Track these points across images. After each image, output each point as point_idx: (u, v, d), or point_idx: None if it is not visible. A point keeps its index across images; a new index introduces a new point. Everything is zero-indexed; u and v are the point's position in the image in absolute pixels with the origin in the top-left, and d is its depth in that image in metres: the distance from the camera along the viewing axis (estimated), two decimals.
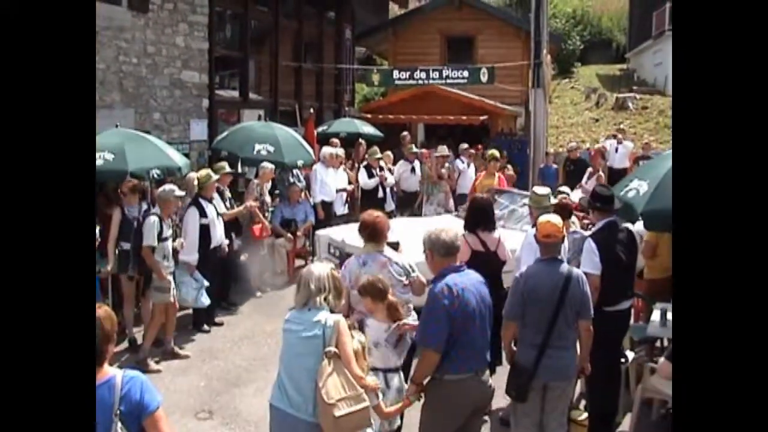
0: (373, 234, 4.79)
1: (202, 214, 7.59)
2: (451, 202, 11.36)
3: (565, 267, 4.47)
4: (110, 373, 2.77)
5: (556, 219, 4.59)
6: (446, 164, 11.70)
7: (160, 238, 6.72)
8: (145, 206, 7.45)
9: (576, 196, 8.24)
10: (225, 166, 8.63)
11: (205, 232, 7.59)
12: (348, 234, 7.96)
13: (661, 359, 4.67)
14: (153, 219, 6.74)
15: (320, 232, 8.79)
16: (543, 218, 4.60)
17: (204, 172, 7.99)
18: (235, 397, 6.13)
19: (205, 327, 7.79)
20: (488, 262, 5.54)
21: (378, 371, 4.18)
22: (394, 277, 4.61)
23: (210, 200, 7.77)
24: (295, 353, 3.69)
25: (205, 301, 7.47)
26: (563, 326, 4.34)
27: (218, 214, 7.85)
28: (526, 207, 7.23)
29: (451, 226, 4.56)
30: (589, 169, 11.11)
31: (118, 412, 2.70)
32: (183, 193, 7.27)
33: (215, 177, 7.88)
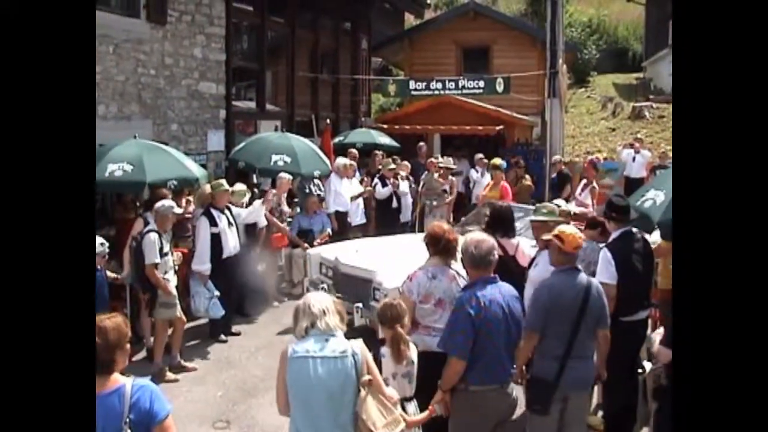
0: (446, 247, 4.69)
1: (213, 223, 7.60)
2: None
3: (584, 277, 4.42)
4: (120, 381, 2.80)
5: (576, 229, 4.59)
6: (450, 177, 11.55)
7: (162, 254, 6.64)
8: None
9: (571, 208, 8.13)
10: (244, 189, 8.59)
11: (216, 241, 7.60)
12: (341, 252, 7.83)
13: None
14: (153, 236, 6.59)
15: (311, 251, 8.50)
16: (566, 230, 4.51)
17: (216, 182, 8.03)
18: (252, 407, 6.14)
19: (222, 337, 7.81)
20: (509, 266, 5.58)
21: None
22: None
23: (222, 211, 7.76)
24: (332, 392, 3.35)
25: (218, 311, 7.47)
26: (584, 336, 4.30)
27: (230, 224, 7.83)
28: (518, 221, 7.20)
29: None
30: (584, 181, 10.95)
31: (128, 420, 2.72)
32: (180, 211, 7.19)
33: (225, 187, 7.88)
